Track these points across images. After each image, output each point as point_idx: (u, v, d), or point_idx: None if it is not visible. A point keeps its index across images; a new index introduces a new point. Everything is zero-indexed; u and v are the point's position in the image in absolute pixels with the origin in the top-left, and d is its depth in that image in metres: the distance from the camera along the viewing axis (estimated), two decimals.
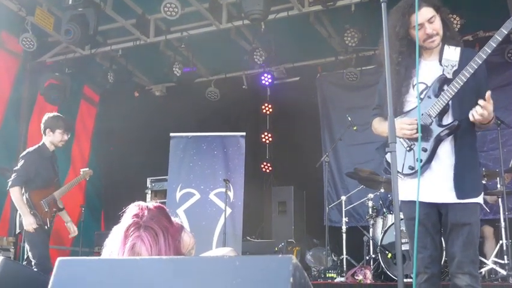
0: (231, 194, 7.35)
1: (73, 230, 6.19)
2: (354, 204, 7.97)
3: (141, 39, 8.64)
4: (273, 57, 8.87)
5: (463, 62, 3.21)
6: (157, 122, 9.73)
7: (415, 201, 2.85)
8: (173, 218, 2.38)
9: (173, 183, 7.65)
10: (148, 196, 8.81)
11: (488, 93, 3.07)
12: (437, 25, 3.35)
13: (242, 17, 7.79)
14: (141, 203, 2.32)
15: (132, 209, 2.28)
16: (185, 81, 9.21)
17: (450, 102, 3.22)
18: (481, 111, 3.07)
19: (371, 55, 8.87)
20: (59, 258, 1.77)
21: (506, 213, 6.55)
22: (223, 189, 7.27)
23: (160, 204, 2.35)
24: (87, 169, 6.45)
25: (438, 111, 3.21)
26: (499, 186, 6.81)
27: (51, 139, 5.81)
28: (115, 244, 2.22)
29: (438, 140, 3.24)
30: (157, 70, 9.90)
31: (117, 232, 2.25)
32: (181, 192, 7.54)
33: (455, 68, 3.15)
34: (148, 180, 8.97)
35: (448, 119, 3.26)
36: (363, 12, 7.47)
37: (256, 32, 8.51)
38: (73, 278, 1.72)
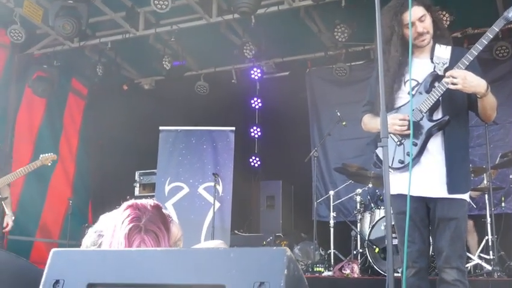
0: (219, 188, 7.37)
1: (6, 224, 6.09)
2: (342, 199, 8.02)
3: (130, 32, 8.59)
4: (263, 51, 8.87)
5: (454, 60, 3.25)
6: (146, 115, 9.70)
7: (404, 195, 2.88)
8: (164, 211, 2.38)
9: (162, 176, 7.65)
10: (137, 189, 8.79)
11: (453, 71, 3.12)
12: (428, 24, 3.40)
13: (232, 10, 7.79)
14: (137, 202, 2.28)
15: (129, 210, 2.23)
16: (174, 74, 9.18)
17: (441, 98, 3.26)
18: (449, 80, 3.10)
19: (360, 50, 8.90)
20: (53, 250, 1.77)
21: (492, 209, 6.63)
22: (212, 183, 7.29)
23: (156, 203, 2.32)
24: (49, 154, 6.36)
25: (429, 106, 3.25)
26: (485, 182, 6.88)
27: None
28: (115, 247, 2.18)
29: (429, 135, 3.28)
30: (146, 63, 9.87)
31: (115, 235, 2.20)
32: (169, 185, 7.55)
33: (446, 66, 3.19)
34: (137, 173, 8.95)
35: (438, 115, 3.31)
36: (353, 8, 7.49)
37: (246, 26, 8.50)
38: (67, 269, 1.72)
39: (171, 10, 7.67)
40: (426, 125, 3.27)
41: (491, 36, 3.11)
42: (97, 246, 2.34)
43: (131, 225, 2.17)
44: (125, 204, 2.27)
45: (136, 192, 8.68)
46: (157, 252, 1.68)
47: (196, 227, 7.26)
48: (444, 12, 7.33)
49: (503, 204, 7.22)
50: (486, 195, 6.76)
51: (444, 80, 3.14)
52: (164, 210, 2.36)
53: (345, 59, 9.16)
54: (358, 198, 7.35)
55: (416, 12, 3.36)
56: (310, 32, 8.61)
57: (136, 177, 8.90)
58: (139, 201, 2.28)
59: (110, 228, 2.23)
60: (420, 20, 3.37)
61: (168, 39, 8.91)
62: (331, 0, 7.56)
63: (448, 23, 7.38)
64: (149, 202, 2.31)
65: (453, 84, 3.10)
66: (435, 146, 3.31)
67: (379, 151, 3.33)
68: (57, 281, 1.69)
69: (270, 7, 7.85)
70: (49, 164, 6.46)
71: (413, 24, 3.35)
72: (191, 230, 7.22)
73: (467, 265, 6.35)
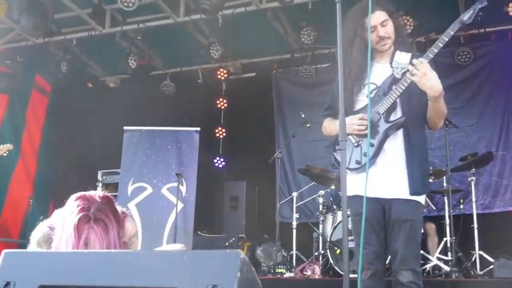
0: (183, 188, 7.34)
1: None
2: (305, 200, 8.07)
3: (96, 30, 8.51)
4: (230, 52, 8.89)
5: None
6: (110, 114, 9.58)
7: (361, 196, 2.92)
8: (118, 207, 2.38)
9: (125, 176, 7.60)
10: (99, 189, 8.69)
11: (421, 59, 3.15)
12: (390, 29, 3.45)
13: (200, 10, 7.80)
14: (86, 193, 2.29)
15: (78, 201, 2.25)
16: (140, 73, 9.13)
17: (398, 99, 3.32)
18: (411, 68, 3.14)
19: (326, 53, 8.97)
20: (4, 251, 1.75)
21: (451, 210, 6.77)
22: (176, 184, 7.26)
23: (105, 194, 2.33)
24: (5, 145, 6.26)
25: (386, 108, 3.32)
26: (445, 184, 7.02)
27: None
28: (65, 239, 2.19)
29: (385, 136, 3.34)
30: (112, 61, 9.77)
31: (64, 227, 2.21)
32: (133, 186, 7.50)
33: (404, 70, 3.24)
34: (99, 173, 8.86)
35: (395, 116, 3.37)
36: (320, 11, 7.55)
37: (213, 26, 8.49)
38: (18, 270, 1.70)
39: (138, 8, 7.62)
40: (383, 126, 3.33)
41: (446, 39, 3.17)
42: (48, 240, 2.32)
43: (80, 215, 2.19)
44: (74, 196, 2.28)
45: None
46: (109, 254, 1.68)
47: (159, 228, 7.23)
48: (408, 17, 7.47)
49: (461, 206, 7.36)
50: (445, 197, 6.89)
51: (409, 67, 3.16)
52: (117, 206, 2.36)
53: (311, 62, 9.22)
54: (321, 200, 7.41)
55: (378, 17, 3.42)
56: (277, 33, 8.65)
57: (99, 177, 8.81)
58: (87, 193, 2.29)
59: (60, 221, 2.24)
60: (382, 24, 3.43)
61: (135, 37, 8.85)
62: (298, 3, 7.61)
63: (412, 27, 7.52)
64: (97, 193, 2.33)
65: (412, 74, 3.14)
66: (394, 147, 3.36)
67: (337, 153, 3.38)
68: (8, 283, 1.67)
69: (237, 8, 7.86)
70: (5, 155, 6.34)
71: (375, 28, 3.41)
72: (153, 231, 7.19)
73: (426, 266, 6.50)
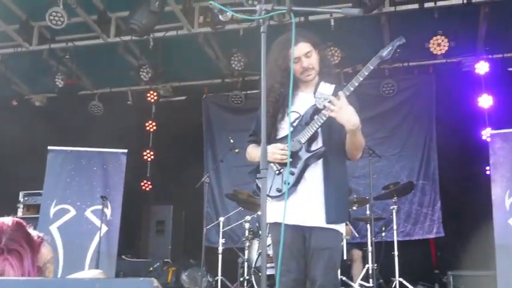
0: (108, 211, 7.18)
1: None
2: (232, 225, 8.08)
3: (23, 46, 8.30)
4: (160, 74, 8.86)
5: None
6: (35, 133, 9.31)
7: (281, 223, 2.96)
8: (33, 231, 2.30)
9: (48, 198, 7.34)
10: (20, 210, 8.39)
11: (340, 93, 3.23)
12: (314, 60, 3.54)
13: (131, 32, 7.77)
14: None
15: None
16: (67, 92, 8.96)
17: (319, 130, 3.39)
18: (328, 104, 3.22)
19: (256, 79, 9.07)
20: None
21: (373, 238, 6.93)
22: (100, 207, 7.10)
23: (15, 220, 2.23)
24: None
25: (307, 138, 3.38)
26: (368, 212, 7.20)
27: None
28: None
29: (306, 165, 3.39)
30: (38, 79, 9.53)
31: None
32: (55, 208, 7.26)
33: (327, 101, 3.31)
34: (21, 193, 8.55)
35: (316, 146, 3.43)
36: (250, 37, 7.63)
37: (144, 48, 8.46)
38: None
39: (68, 26, 7.51)
40: (304, 155, 3.39)
41: (367, 73, 3.26)
42: None
43: None
44: None
45: (19, 213, 8.29)
46: (17, 282, 1.63)
47: (81, 252, 7.02)
48: (336, 49, 7.70)
49: (383, 233, 7.55)
50: (368, 225, 7.06)
51: (326, 104, 3.25)
52: (31, 230, 2.28)
53: (241, 87, 9.30)
54: (247, 225, 7.42)
55: (302, 48, 3.50)
56: (208, 58, 8.70)
57: (20, 198, 8.50)
58: None
59: None
60: (307, 55, 3.51)
61: (63, 56, 8.68)
62: (229, 29, 7.70)
63: (339, 59, 7.75)
64: (5, 220, 2.22)
65: (330, 110, 3.22)
66: (314, 176, 3.42)
67: (259, 180, 3.41)
68: None
69: (169, 31, 7.88)
70: None
71: (299, 59, 3.49)
72: (76, 255, 6.98)
73: None
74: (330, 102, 3.22)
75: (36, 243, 2.29)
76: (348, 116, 3.22)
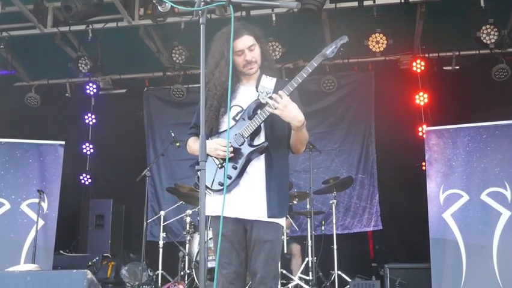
0: (44, 205, 7.01)
1: None
2: (173, 219, 8.05)
3: None
4: (99, 67, 8.69)
5: (277, 90, 3.39)
6: None
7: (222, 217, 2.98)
8: None
9: None
10: None
11: (281, 92, 3.26)
12: (256, 53, 3.54)
13: (69, 23, 7.59)
14: None
15: None
16: (2, 84, 8.72)
17: (262, 124, 3.41)
18: (272, 102, 3.24)
19: (198, 73, 9.01)
20: None
21: (313, 231, 7.04)
22: (37, 200, 6.93)
23: None
24: None
25: (250, 132, 3.38)
26: (308, 206, 7.30)
27: None
28: None
29: (248, 159, 3.40)
30: None
31: None
32: None
33: (269, 95, 3.33)
34: None
35: (259, 140, 3.44)
36: (192, 31, 7.59)
37: (82, 39, 8.30)
38: None
39: (2, 16, 7.28)
40: (246, 150, 3.39)
41: (310, 70, 3.30)
42: None
43: None
44: None
45: None
46: None
47: (17, 246, 6.84)
48: (277, 44, 7.76)
49: (323, 227, 7.68)
50: (308, 218, 7.16)
51: (269, 101, 3.27)
52: None
53: (182, 81, 9.23)
54: (188, 219, 7.40)
55: (246, 41, 3.49)
56: (149, 51, 8.59)
57: None
58: None
59: None
60: (250, 49, 3.51)
61: None
62: (170, 22, 7.63)
63: (281, 54, 7.82)
64: None
65: (274, 108, 3.25)
66: (257, 170, 3.43)
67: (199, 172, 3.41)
68: None
69: (108, 23, 7.75)
70: None
71: (242, 52, 3.48)
72: (11, 250, 6.81)
73: (288, 286, 6.69)
74: (273, 99, 3.24)
75: None
76: (293, 113, 3.26)
